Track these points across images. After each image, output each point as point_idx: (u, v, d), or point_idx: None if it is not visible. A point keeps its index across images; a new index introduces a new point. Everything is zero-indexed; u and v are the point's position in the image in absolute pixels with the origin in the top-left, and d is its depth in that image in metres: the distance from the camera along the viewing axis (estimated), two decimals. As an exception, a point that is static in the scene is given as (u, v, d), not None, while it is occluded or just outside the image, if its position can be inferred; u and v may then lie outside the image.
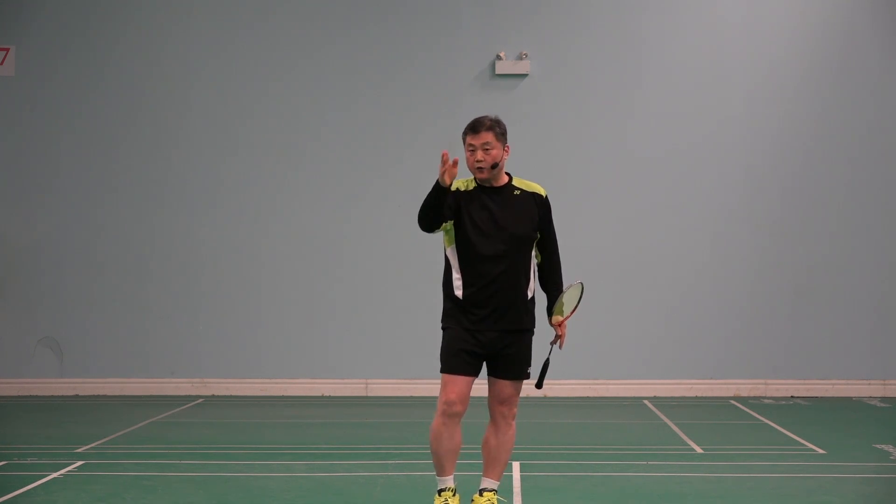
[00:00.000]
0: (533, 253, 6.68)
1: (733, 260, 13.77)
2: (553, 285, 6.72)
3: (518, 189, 6.63)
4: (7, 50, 13.89)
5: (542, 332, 6.74)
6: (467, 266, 6.49)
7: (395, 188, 13.72)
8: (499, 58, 13.77)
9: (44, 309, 13.90)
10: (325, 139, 13.94)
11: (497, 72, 13.78)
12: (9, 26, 13.93)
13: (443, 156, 6.28)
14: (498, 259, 6.47)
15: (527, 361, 6.63)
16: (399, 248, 13.67)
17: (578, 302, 6.68)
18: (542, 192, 6.69)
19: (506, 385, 6.61)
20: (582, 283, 6.69)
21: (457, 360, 6.47)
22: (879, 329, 13.74)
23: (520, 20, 13.84)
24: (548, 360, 6.60)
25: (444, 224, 6.47)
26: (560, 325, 6.64)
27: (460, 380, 6.47)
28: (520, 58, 13.78)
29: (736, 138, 13.81)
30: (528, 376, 6.68)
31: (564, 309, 6.63)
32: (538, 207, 6.63)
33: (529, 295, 6.59)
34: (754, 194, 13.80)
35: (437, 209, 6.38)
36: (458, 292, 6.51)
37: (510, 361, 6.57)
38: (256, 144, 13.96)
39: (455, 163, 6.29)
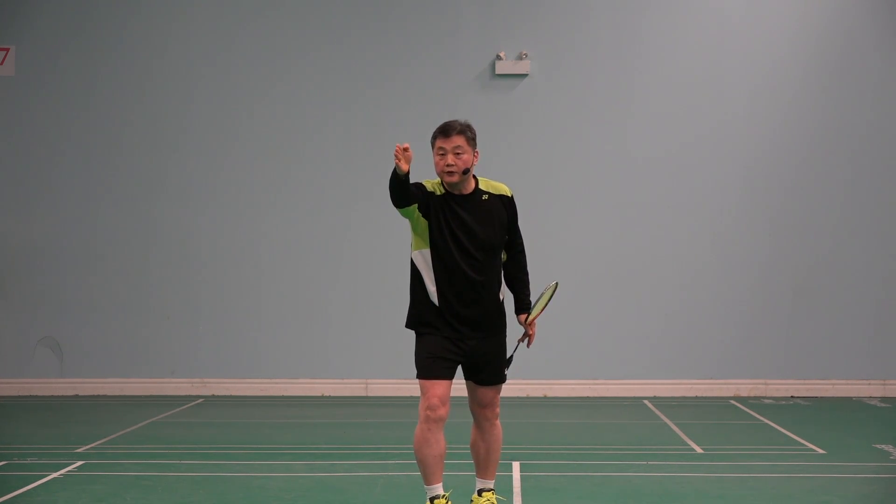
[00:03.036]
0: None
1: (733, 260, 13.77)
2: (519, 283, 6.68)
3: (486, 193, 6.53)
4: (7, 50, 13.89)
5: (520, 326, 6.75)
6: (442, 274, 6.42)
7: (395, 188, 13.71)
8: (499, 58, 13.77)
9: (44, 309, 13.89)
10: (325, 139, 13.94)
11: (497, 72, 13.78)
12: (9, 26, 13.93)
13: (396, 150, 6.18)
14: (473, 268, 6.42)
15: (503, 363, 6.63)
16: (399, 248, 13.62)
17: (549, 300, 6.66)
18: (508, 192, 6.61)
19: (487, 390, 6.60)
20: (556, 283, 6.68)
21: (435, 365, 6.42)
22: (879, 329, 13.74)
23: (520, 20, 13.84)
24: (511, 356, 6.62)
25: (412, 205, 6.38)
26: (531, 324, 6.63)
27: (440, 384, 6.40)
28: (520, 58, 13.78)
29: (736, 138, 13.81)
30: (504, 378, 6.66)
31: (534, 308, 6.63)
32: (506, 209, 6.55)
33: (501, 297, 6.60)
34: (754, 194, 13.79)
35: (401, 192, 6.29)
36: (434, 299, 6.45)
37: (490, 368, 6.56)
38: (256, 145, 13.96)
39: (406, 148, 6.19)
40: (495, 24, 13.84)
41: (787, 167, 13.80)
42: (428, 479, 6.46)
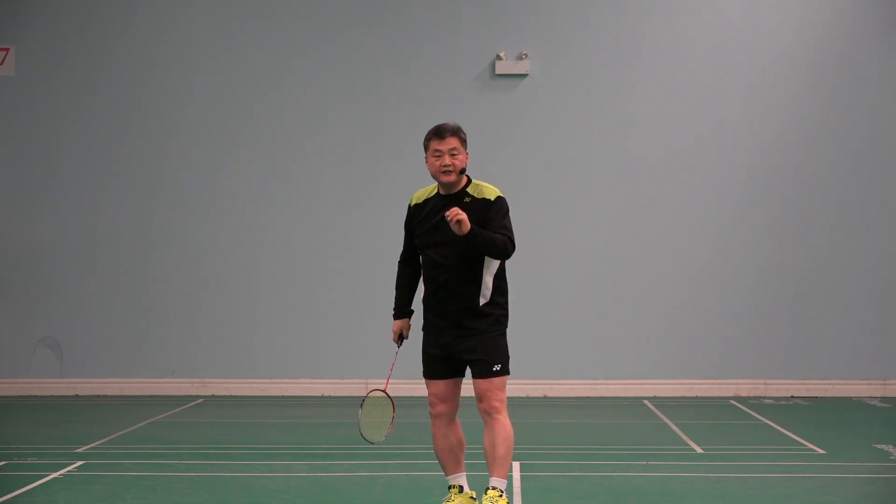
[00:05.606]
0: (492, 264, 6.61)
1: (733, 260, 13.77)
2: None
3: (469, 196, 6.64)
4: (7, 50, 13.89)
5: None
6: (425, 272, 6.78)
7: (395, 188, 13.71)
8: (499, 58, 13.76)
9: (44, 309, 13.89)
10: (325, 139, 13.94)
11: (497, 72, 13.78)
12: (9, 26, 13.93)
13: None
14: (443, 267, 6.64)
15: (493, 358, 6.64)
16: (399, 248, 13.62)
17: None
18: (493, 195, 6.62)
19: (479, 382, 6.68)
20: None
21: (430, 365, 6.79)
22: (879, 329, 13.74)
23: (520, 20, 13.84)
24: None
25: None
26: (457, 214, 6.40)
27: (435, 383, 6.79)
28: (520, 58, 13.78)
29: (736, 138, 13.81)
30: (498, 373, 6.63)
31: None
32: (484, 211, 6.57)
33: (482, 302, 6.62)
34: (754, 194, 13.79)
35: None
36: (422, 294, 6.83)
37: (474, 359, 6.66)
38: (256, 145, 13.97)
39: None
40: (495, 24, 13.84)
41: (787, 167, 13.80)
42: (443, 471, 6.85)
